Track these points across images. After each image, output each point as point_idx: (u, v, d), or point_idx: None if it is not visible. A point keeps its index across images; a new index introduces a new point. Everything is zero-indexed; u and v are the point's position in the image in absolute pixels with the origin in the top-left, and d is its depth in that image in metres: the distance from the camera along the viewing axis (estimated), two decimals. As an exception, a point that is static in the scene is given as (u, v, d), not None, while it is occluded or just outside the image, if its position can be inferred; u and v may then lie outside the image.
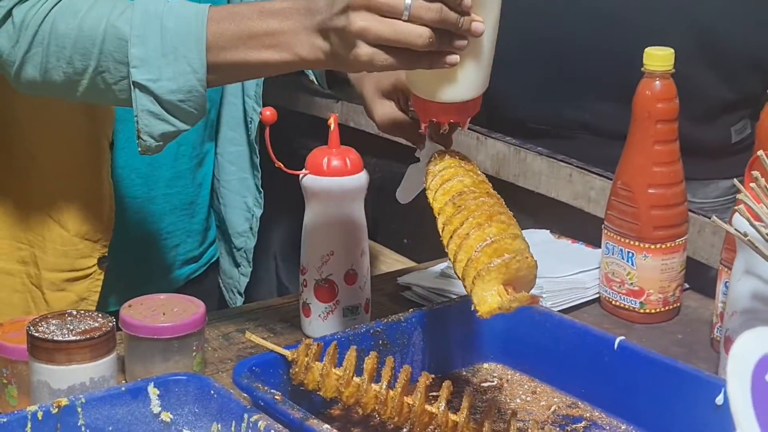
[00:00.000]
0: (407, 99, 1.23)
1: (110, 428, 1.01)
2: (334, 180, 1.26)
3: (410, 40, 1.01)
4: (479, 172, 1.11)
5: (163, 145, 1.15)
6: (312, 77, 1.43)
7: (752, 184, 1.04)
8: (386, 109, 1.25)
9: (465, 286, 1.00)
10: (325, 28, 1.05)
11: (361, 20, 1.01)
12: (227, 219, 1.52)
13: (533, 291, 1.02)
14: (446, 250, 1.03)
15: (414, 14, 1.00)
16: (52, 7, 1.12)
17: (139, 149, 1.15)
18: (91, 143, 1.32)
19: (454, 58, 1.03)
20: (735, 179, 1.08)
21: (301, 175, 1.26)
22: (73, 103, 1.23)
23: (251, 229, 1.52)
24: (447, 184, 1.07)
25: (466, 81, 1.07)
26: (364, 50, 1.02)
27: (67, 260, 1.35)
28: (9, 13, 1.13)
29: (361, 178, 1.28)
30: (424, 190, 1.10)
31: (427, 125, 1.13)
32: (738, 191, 1.07)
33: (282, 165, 1.20)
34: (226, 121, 1.51)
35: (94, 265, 1.36)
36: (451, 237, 1.02)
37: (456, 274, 1.01)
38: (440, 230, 1.05)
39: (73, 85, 1.14)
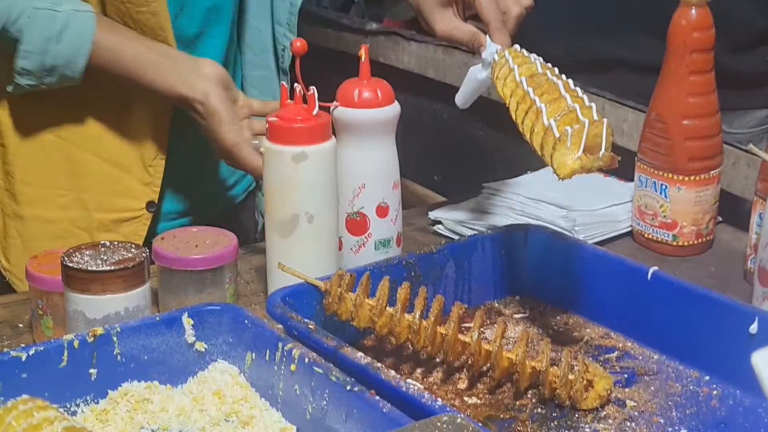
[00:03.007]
0: (465, 5, 1.31)
1: (145, 357, 1.01)
2: (365, 112, 1.25)
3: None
4: (542, 61, 1.18)
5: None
6: None
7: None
8: (446, 17, 1.32)
9: (543, 155, 1.05)
10: None
11: None
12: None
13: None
14: (521, 128, 1.10)
15: None
16: None
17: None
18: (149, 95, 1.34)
19: None
20: (771, 107, 1.07)
21: (331, 108, 1.26)
22: None
23: None
24: (517, 69, 1.15)
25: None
26: None
27: (118, 200, 1.37)
28: None
29: (393, 109, 1.27)
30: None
31: None
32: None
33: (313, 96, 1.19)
34: (249, 46, 1.51)
35: (142, 208, 1.38)
36: (526, 113, 1.09)
37: (533, 146, 1.07)
38: (513, 111, 1.13)
39: None
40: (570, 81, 1.12)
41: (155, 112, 1.35)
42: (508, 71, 1.17)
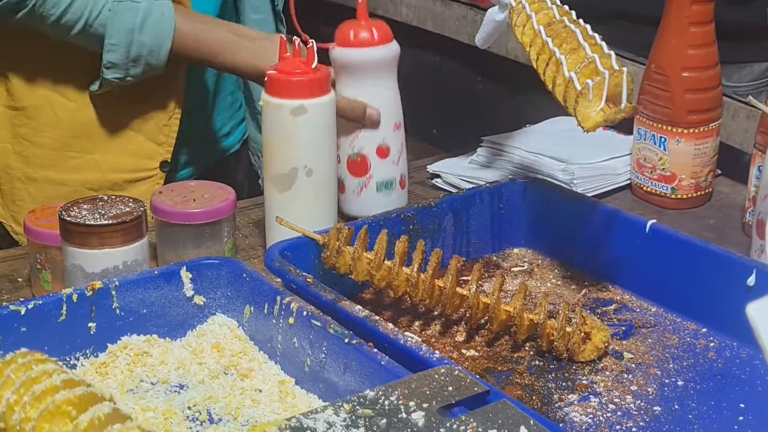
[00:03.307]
0: None
1: (144, 311, 1.02)
2: (361, 51, 1.24)
3: None
4: (559, 2, 1.17)
5: None
6: None
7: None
8: None
9: (567, 107, 1.06)
10: None
11: None
12: (250, 84, 1.53)
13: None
14: (543, 79, 1.11)
15: None
16: None
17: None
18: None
19: None
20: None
21: (330, 48, 1.25)
22: None
23: None
24: (535, 17, 1.14)
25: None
26: None
27: (132, 160, 1.38)
28: None
29: (391, 48, 1.26)
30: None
31: None
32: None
33: (308, 37, 1.18)
34: None
35: (156, 168, 1.38)
36: (547, 65, 1.09)
37: (556, 98, 1.08)
38: (534, 61, 1.13)
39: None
40: (588, 26, 1.11)
41: (170, 72, 1.34)
42: (525, 18, 1.16)
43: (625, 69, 1.04)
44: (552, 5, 1.16)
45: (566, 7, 1.16)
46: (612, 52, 1.07)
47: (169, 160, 1.40)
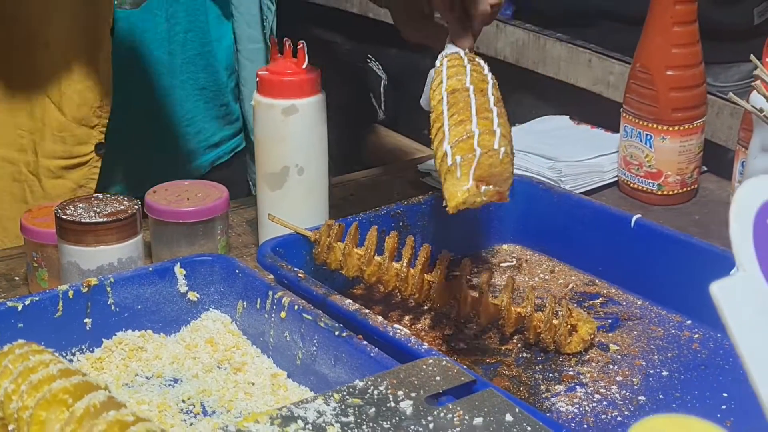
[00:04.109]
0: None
1: (139, 307, 1.03)
2: None
3: None
4: (486, 72, 1.08)
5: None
6: None
7: (769, 60, 1.05)
8: (415, 25, 1.25)
9: (441, 182, 0.98)
10: None
11: None
12: (247, 114, 1.54)
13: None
14: (432, 148, 1.02)
15: None
16: None
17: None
18: (89, 29, 1.33)
19: None
20: (752, 56, 1.08)
21: None
22: None
23: None
24: (446, 82, 1.06)
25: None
26: None
27: (64, 147, 1.36)
28: None
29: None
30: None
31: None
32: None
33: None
34: (244, 18, 1.51)
35: (91, 152, 1.37)
36: (436, 134, 1.02)
37: (436, 168, 1.00)
38: (432, 125, 1.04)
39: None
40: (493, 98, 1.03)
41: (92, 52, 1.33)
42: (438, 82, 1.09)
43: (502, 149, 0.96)
44: (471, 71, 1.07)
45: (490, 75, 1.07)
46: (499, 129, 0.98)
47: (104, 142, 1.37)
